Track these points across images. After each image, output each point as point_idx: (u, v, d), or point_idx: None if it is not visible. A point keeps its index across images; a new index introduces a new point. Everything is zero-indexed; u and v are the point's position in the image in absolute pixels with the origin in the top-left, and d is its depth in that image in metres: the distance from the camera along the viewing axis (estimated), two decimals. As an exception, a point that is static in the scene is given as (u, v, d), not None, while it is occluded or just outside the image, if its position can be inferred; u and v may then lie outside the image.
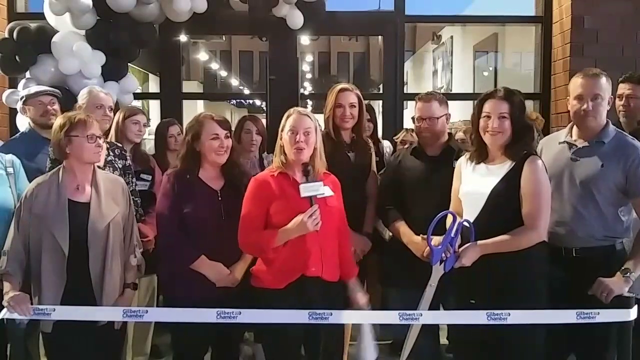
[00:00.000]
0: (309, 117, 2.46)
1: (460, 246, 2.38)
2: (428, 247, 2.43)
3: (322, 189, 2.38)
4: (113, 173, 2.88)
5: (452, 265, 2.36)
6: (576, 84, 2.54)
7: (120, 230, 2.52)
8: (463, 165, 2.58)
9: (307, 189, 2.35)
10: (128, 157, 3.19)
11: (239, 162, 2.77)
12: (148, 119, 3.69)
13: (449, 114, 2.91)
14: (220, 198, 2.59)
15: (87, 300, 2.39)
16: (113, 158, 3.06)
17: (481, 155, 2.50)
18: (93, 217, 2.43)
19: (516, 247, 2.34)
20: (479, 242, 2.35)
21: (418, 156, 2.90)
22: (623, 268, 2.38)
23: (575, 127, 2.61)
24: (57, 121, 2.51)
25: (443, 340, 3.06)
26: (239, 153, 2.80)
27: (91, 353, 2.43)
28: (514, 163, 2.40)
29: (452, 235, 2.37)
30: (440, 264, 2.37)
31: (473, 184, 2.48)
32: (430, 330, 2.71)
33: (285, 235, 2.36)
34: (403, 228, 2.77)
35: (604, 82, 2.51)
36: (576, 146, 2.56)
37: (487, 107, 2.43)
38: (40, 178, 2.51)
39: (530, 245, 2.35)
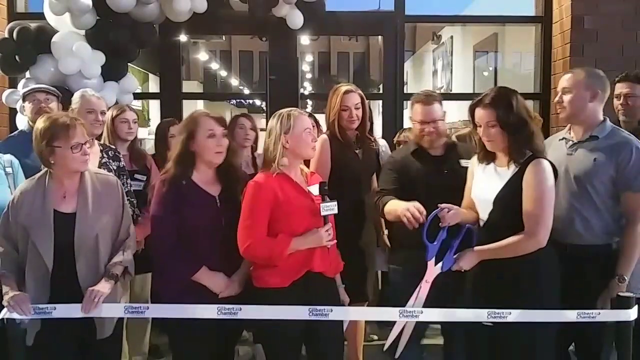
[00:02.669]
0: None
1: (458, 247, 2.38)
2: (410, 216, 2.42)
3: (336, 207, 2.42)
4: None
5: (450, 267, 2.37)
6: None
7: (110, 238, 2.38)
8: (475, 165, 2.55)
9: (326, 209, 2.39)
10: (122, 159, 3.18)
11: (236, 164, 2.63)
12: (148, 119, 3.67)
13: (445, 111, 2.88)
14: (219, 204, 2.46)
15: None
16: (107, 160, 3.06)
17: (488, 156, 2.47)
18: (80, 229, 2.29)
19: (514, 254, 2.30)
20: (476, 248, 2.36)
21: (421, 158, 2.79)
22: (618, 276, 2.40)
23: (574, 124, 2.63)
24: (38, 125, 2.33)
25: (441, 340, 3.03)
26: (236, 153, 2.67)
27: None
28: (518, 166, 2.35)
29: (446, 234, 2.38)
30: (438, 263, 2.37)
31: (480, 189, 2.47)
32: (413, 338, 2.54)
33: (298, 245, 2.34)
34: (392, 201, 2.64)
35: (578, 77, 2.55)
36: (572, 141, 2.59)
37: (476, 116, 2.41)
38: (26, 183, 2.40)
39: (528, 252, 2.29)
